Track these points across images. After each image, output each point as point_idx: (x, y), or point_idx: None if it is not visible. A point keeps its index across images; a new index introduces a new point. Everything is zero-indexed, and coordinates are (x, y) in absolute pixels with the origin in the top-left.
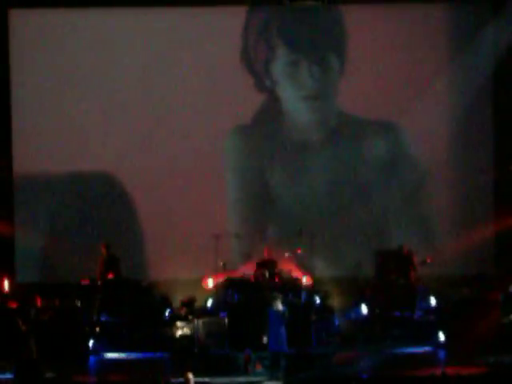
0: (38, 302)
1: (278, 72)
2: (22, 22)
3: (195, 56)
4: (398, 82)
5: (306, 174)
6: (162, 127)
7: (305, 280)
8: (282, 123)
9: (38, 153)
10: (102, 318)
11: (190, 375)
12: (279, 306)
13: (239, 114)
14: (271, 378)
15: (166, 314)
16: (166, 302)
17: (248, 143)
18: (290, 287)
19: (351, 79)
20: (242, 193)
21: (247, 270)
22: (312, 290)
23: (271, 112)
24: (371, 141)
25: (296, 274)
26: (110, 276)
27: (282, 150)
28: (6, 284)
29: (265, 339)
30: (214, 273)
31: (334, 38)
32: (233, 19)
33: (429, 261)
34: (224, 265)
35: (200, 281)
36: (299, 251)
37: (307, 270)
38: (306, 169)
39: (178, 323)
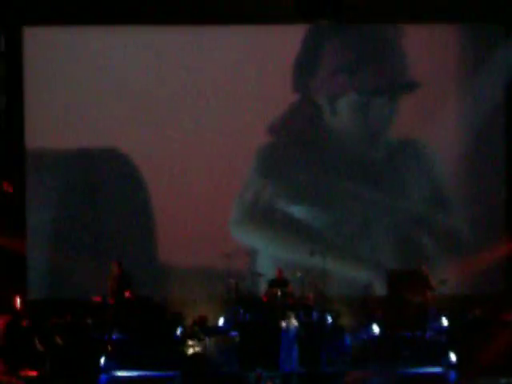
0: (51, 320)
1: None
2: None
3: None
4: (409, 103)
5: (319, 194)
6: (182, 117)
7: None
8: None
9: (50, 147)
10: (114, 336)
11: None
12: (293, 325)
13: (273, 114)
14: None
15: (178, 332)
16: (178, 320)
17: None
18: (302, 307)
19: None
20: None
21: None
22: (323, 310)
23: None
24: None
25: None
26: (127, 294)
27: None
28: (18, 302)
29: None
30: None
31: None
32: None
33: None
34: (236, 284)
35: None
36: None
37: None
38: (319, 188)
39: (190, 342)
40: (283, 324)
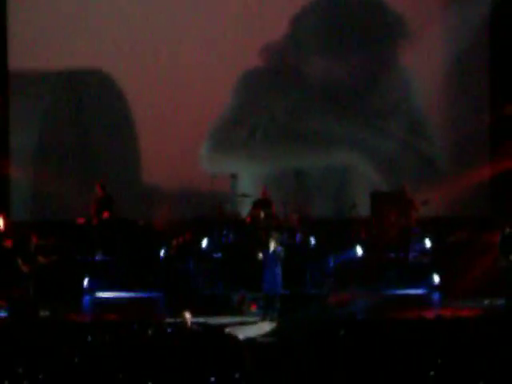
0: (34, 241)
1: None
2: None
3: None
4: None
5: (304, 112)
6: (168, 37)
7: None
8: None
9: (33, 68)
10: (97, 258)
11: (188, 314)
12: (275, 246)
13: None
14: (265, 319)
15: (161, 253)
16: (161, 241)
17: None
18: (285, 228)
19: None
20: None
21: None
22: (307, 231)
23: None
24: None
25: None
26: (106, 215)
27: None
28: (1, 222)
29: (260, 255)
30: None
31: None
32: None
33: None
34: (220, 205)
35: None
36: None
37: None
38: (305, 107)
39: (173, 263)
40: (269, 245)
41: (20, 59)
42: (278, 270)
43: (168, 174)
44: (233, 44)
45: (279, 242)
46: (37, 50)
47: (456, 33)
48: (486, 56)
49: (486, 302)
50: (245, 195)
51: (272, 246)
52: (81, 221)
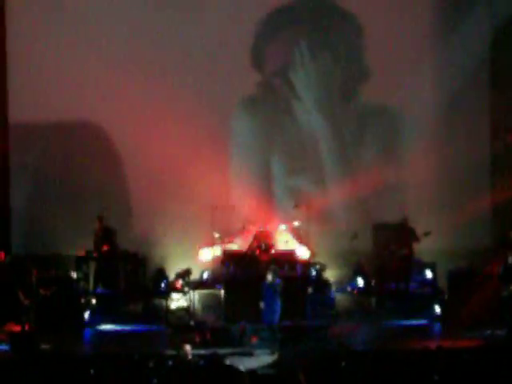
0: (35, 274)
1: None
2: None
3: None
4: (395, 52)
5: (305, 148)
6: (162, 87)
7: (303, 252)
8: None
9: (35, 116)
10: (98, 290)
11: (188, 347)
12: (273, 279)
13: (248, 83)
14: (266, 351)
15: (162, 286)
16: (162, 274)
17: (254, 114)
18: (286, 259)
19: None
20: (241, 163)
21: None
22: (308, 263)
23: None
24: (369, 116)
25: (293, 245)
26: (105, 248)
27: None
28: (2, 256)
29: (262, 304)
30: (208, 244)
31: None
32: None
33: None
34: (220, 237)
35: (196, 253)
36: (296, 223)
37: (306, 241)
38: (305, 142)
39: (174, 295)
40: (267, 277)
41: (18, 112)
42: (277, 303)
43: (166, 203)
44: (226, 99)
45: (277, 275)
46: (34, 103)
47: (457, 62)
48: (487, 86)
49: (487, 332)
50: (243, 227)
51: (270, 278)
52: (81, 254)
